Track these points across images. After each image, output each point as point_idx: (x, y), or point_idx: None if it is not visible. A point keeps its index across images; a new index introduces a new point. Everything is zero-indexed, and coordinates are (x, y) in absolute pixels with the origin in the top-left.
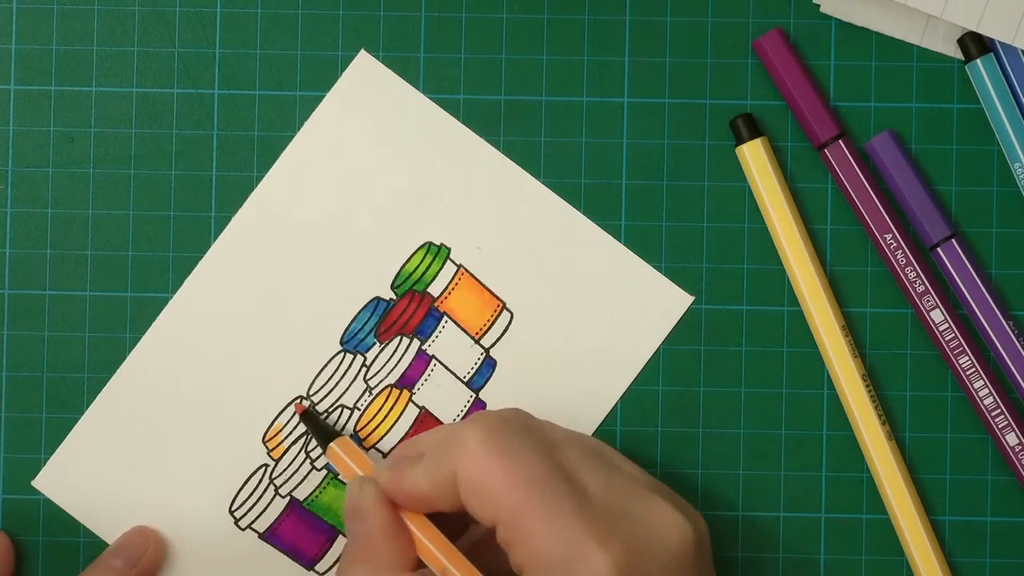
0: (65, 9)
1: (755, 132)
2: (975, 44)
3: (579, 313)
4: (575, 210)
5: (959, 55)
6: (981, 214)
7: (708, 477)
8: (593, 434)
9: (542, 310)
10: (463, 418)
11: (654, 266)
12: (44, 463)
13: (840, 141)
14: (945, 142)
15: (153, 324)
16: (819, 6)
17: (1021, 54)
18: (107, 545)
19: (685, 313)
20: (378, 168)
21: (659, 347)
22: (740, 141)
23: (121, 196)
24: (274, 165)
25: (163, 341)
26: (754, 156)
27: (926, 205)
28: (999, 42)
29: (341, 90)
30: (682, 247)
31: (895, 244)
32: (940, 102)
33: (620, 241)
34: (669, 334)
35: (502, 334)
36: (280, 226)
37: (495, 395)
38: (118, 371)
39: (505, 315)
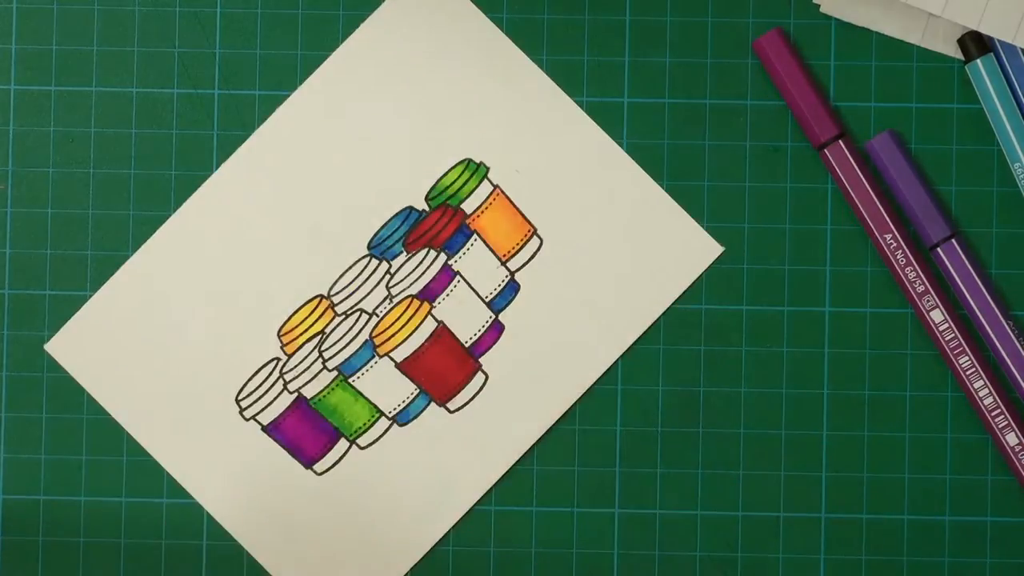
0: (65, 9)
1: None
2: (975, 44)
3: (608, 248)
4: (618, 146)
5: (959, 55)
6: (981, 214)
7: (708, 477)
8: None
9: (572, 240)
10: (480, 338)
11: None
12: (44, 463)
13: (840, 141)
14: (945, 142)
15: (187, 201)
16: (819, 6)
17: (1021, 54)
18: (110, 418)
19: (688, 311)
20: (427, 79)
21: (675, 301)
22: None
23: (121, 196)
24: (325, 62)
25: (193, 221)
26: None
27: (926, 205)
28: (999, 42)
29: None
30: None
31: (895, 244)
32: (940, 102)
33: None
34: (690, 287)
35: (529, 259)
36: (323, 123)
37: (514, 319)
38: (143, 247)
39: (535, 240)
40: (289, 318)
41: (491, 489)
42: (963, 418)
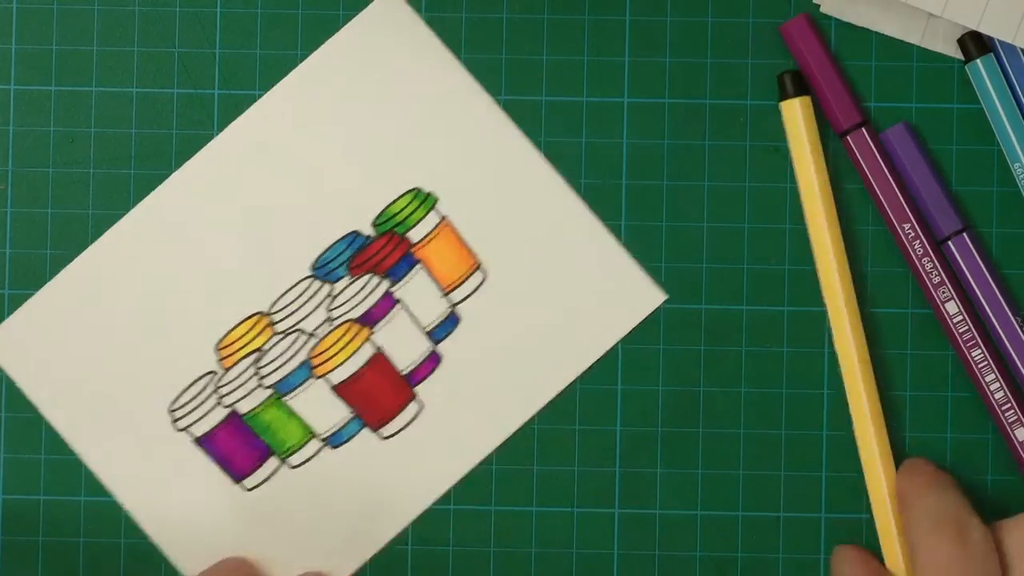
0: (65, 9)
1: (801, 89)
2: (975, 44)
3: (551, 288)
4: (569, 187)
5: (959, 55)
6: (981, 214)
7: (708, 477)
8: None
9: (515, 277)
10: (416, 368)
11: (654, 266)
12: (44, 463)
13: (863, 128)
14: (945, 142)
15: (136, 206)
16: (819, 6)
17: (1021, 54)
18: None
19: (688, 311)
20: (383, 106)
21: (618, 343)
22: (785, 96)
23: (121, 196)
24: (278, 84)
25: (140, 227)
26: (805, 112)
27: (938, 198)
28: (999, 42)
29: (362, 22)
30: (682, 247)
31: (913, 234)
32: (940, 102)
33: (620, 241)
34: (635, 329)
35: (472, 293)
36: (274, 143)
37: (452, 351)
38: (86, 250)
39: (478, 275)
40: (228, 333)
41: (448, 492)
42: (964, 418)
